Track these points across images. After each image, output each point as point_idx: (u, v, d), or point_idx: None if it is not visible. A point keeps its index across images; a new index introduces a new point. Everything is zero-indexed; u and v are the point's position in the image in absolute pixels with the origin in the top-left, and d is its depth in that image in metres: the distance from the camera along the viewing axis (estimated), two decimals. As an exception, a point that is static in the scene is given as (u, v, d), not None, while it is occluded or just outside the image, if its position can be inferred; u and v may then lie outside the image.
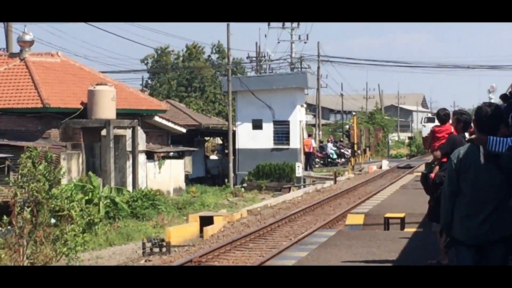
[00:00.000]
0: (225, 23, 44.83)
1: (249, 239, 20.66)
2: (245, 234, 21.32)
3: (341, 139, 66.94)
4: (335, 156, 58.19)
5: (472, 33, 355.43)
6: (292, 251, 15.44)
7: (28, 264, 16.95)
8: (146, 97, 38.79)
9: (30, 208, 17.47)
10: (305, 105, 50.21)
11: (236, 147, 44.91)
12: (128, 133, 33.19)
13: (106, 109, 31.46)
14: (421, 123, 69.86)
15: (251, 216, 27.58)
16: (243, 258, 18.19)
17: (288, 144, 45.22)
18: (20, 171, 18.22)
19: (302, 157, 46.74)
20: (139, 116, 34.41)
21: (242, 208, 30.92)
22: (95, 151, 31.85)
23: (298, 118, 45.71)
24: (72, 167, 30.21)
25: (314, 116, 67.14)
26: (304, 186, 41.71)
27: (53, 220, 18.13)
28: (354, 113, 76.51)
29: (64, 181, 22.40)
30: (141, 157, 33.85)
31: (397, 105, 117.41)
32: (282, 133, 45.35)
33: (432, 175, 11.07)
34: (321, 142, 62.29)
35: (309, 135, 52.95)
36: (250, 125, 45.17)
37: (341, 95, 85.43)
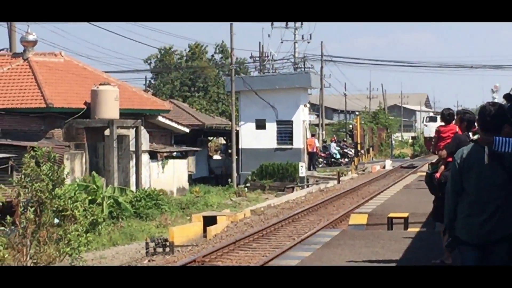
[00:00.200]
0: (229, 23, 44.98)
1: (253, 239, 20.63)
2: (248, 234, 21.29)
3: (345, 139, 66.83)
4: (338, 156, 58.13)
5: (475, 33, 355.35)
6: (296, 251, 15.43)
7: (32, 264, 16.96)
8: (149, 97, 38.80)
9: (33, 208, 17.50)
10: (308, 105, 50.13)
11: (240, 147, 44.88)
12: (131, 133, 33.21)
13: (110, 109, 31.46)
14: (422, 122, 69.70)
15: (254, 216, 27.54)
16: (246, 258, 18.17)
17: (292, 144, 45.18)
18: (23, 171, 18.23)
19: (306, 157, 46.73)
20: (142, 116, 34.40)
21: (245, 208, 30.91)
22: (98, 151, 31.88)
23: (302, 118, 45.67)
24: (75, 167, 30.25)
25: (318, 116, 66.99)
26: (308, 186, 41.66)
27: (56, 220, 18.14)
28: (357, 113, 76.38)
29: (67, 181, 22.39)
30: (145, 157, 33.87)
31: (400, 105, 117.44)
32: (285, 133, 45.31)
33: (438, 174, 11.08)
34: (324, 142, 62.17)
35: (313, 135, 52.90)
36: (253, 125, 45.14)
37: (345, 95, 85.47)
